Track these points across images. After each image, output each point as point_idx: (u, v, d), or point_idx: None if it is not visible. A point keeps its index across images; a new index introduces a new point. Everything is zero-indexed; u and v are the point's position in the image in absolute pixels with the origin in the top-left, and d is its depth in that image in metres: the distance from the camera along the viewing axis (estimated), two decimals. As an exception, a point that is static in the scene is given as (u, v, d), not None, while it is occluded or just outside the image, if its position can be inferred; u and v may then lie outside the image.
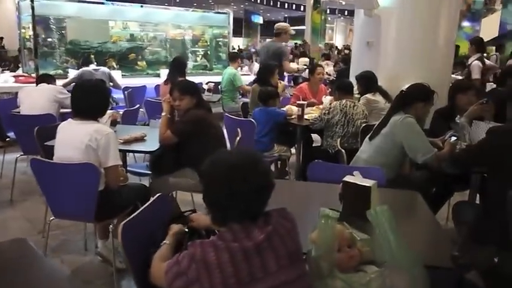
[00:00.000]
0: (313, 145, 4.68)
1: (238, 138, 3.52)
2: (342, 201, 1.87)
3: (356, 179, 1.86)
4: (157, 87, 6.17)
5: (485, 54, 6.22)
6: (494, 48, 10.46)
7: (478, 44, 6.17)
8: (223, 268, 1.20)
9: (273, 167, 4.76)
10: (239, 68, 7.45)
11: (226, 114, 4.04)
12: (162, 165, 3.12)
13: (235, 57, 6.89)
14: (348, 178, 1.86)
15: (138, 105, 4.80)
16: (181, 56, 7.23)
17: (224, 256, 1.21)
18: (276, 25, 6.06)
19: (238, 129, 3.60)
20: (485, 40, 6.57)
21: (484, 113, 3.12)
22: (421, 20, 4.52)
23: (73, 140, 2.50)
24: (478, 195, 3.14)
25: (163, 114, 3.09)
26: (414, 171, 3.20)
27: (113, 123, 3.45)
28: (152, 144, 3.14)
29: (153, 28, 8.81)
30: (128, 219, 1.65)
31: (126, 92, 6.02)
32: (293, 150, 4.55)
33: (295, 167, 4.54)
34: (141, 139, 3.27)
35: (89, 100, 2.57)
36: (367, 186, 1.80)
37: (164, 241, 1.62)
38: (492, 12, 13.53)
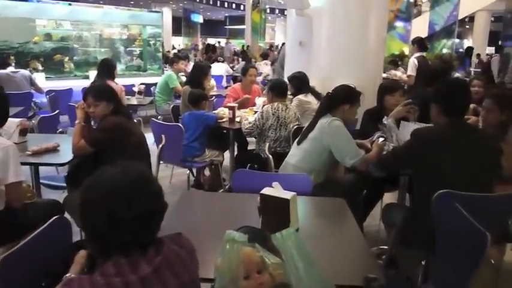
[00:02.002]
0: (249, 148, 4.56)
1: (161, 145, 3.30)
2: (260, 215, 1.74)
3: (274, 191, 1.73)
4: (84, 90, 5.78)
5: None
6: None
7: (419, 43, 6.41)
8: None
9: (207, 172, 4.59)
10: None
11: (153, 119, 3.80)
12: (78, 177, 2.85)
13: (172, 60, 6.55)
14: (265, 191, 1.72)
15: (57, 111, 4.43)
16: (109, 57, 6.85)
17: None
18: None
19: (163, 136, 3.39)
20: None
21: (408, 114, 3.12)
22: (352, 20, 4.55)
23: None
24: (408, 195, 3.14)
25: (76, 122, 2.84)
26: (347, 173, 3.15)
27: (23, 133, 3.12)
28: (66, 155, 2.86)
29: (81, 27, 8.33)
30: (9, 251, 1.42)
31: (48, 96, 5.59)
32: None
33: (229, 172, 4.39)
34: (53, 150, 2.97)
35: None
36: (286, 199, 1.68)
37: (68, 273, 1.39)
38: (421, 13, 14.14)
